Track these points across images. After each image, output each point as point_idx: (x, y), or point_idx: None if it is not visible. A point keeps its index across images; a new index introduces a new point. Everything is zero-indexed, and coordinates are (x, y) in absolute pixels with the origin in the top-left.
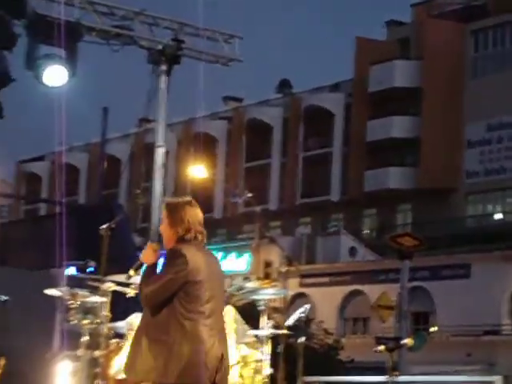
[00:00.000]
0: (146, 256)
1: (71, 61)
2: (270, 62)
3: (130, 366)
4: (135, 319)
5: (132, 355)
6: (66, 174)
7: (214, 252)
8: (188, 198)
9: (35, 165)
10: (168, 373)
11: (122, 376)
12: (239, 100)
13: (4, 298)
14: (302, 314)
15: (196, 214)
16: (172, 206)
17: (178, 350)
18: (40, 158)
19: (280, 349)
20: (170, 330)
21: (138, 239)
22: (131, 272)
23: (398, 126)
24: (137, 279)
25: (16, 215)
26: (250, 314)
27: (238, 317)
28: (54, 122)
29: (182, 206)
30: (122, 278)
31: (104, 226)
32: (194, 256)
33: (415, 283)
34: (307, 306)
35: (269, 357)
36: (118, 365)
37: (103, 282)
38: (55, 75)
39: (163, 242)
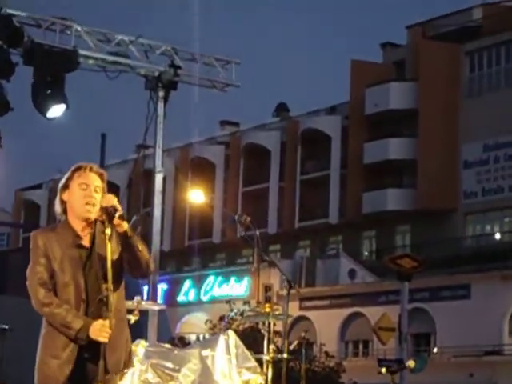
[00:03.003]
0: None
1: (60, 91)
2: (267, 85)
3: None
4: (137, 346)
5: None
6: None
7: (214, 277)
8: None
9: (33, 193)
10: None
11: None
12: (236, 124)
13: (5, 327)
14: (303, 338)
15: None
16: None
17: None
18: (38, 186)
19: (282, 373)
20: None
21: None
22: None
23: (395, 148)
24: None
25: (15, 244)
26: (251, 339)
27: (239, 342)
28: (52, 150)
29: None
30: (129, 303)
31: None
32: None
33: (415, 304)
34: (308, 330)
35: (271, 381)
36: None
37: None
38: (52, 108)
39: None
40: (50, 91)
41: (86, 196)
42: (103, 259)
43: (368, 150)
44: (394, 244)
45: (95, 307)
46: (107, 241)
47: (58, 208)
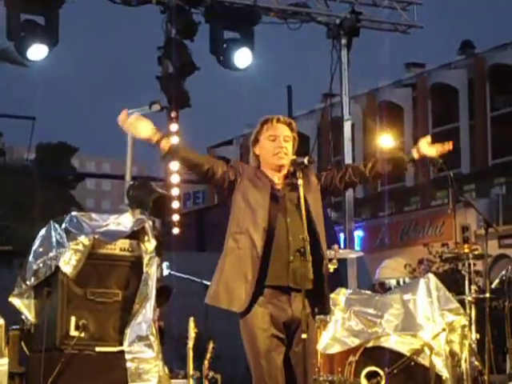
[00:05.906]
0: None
1: (248, 43)
2: (450, 24)
3: None
4: (338, 294)
5: None
6: None
7: (409, 220)
8: None
9: (225, 149)
10: None
11: (330, 351)
12: (421, 65)
13: (208, 283)
14: (505, 276)
15: None
16: None
17: None
18: (229, 142)
19: (485, 313)
20: None
21: (333, 214)
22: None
23: None
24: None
25: (211, 201)
26: (451, 280)
27: (440, 284)
28: (240, 105)
29: None
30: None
31: None
32: None
33: None
34: (510, 267)
35: (474, 321)
36: (325, 340)
37: None
38: (239, 58)
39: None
40: (235, 44)
41: (276, 147)
42: (296, 208)
43: None
44: None
45: (293, 255)
46: (300, 191)
47: (252, 162)
